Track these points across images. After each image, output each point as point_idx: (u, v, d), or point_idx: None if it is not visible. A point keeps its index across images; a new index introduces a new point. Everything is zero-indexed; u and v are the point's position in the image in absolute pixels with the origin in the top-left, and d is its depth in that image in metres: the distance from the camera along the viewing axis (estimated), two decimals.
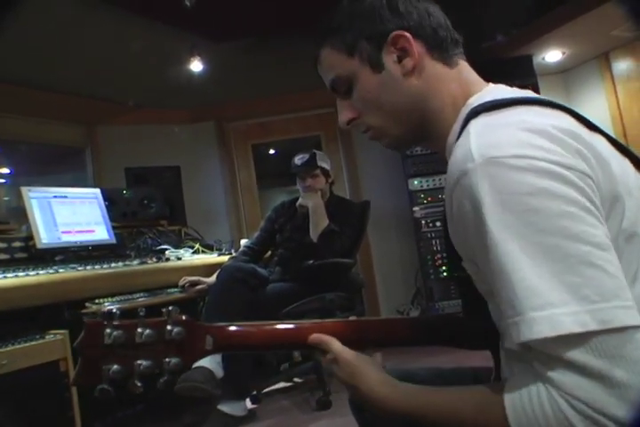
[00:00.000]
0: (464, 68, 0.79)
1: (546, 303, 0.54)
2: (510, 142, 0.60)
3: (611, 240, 0.59)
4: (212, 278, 2.53)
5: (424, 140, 0.83)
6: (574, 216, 0.56)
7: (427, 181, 3.68)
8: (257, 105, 4.29)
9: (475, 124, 0.66)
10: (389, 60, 0.77)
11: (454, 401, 0.65)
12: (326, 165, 2.82)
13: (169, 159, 3.92)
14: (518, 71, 3.39)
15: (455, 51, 0.79)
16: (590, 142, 0.62)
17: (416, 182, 3.69)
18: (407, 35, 0.75)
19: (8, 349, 1.70)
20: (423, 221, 3.65)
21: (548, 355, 0.55)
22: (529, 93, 0.74)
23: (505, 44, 3.39)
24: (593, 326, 0.52)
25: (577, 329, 0.52)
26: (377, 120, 0.82)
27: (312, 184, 2.77)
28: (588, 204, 0.57)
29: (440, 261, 3.59)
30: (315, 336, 0.78)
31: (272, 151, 5.59)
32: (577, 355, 0.53)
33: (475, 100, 0.73)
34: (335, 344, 0.77)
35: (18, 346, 1.73)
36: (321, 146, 4.36)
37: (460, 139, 0.67)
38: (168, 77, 3.48)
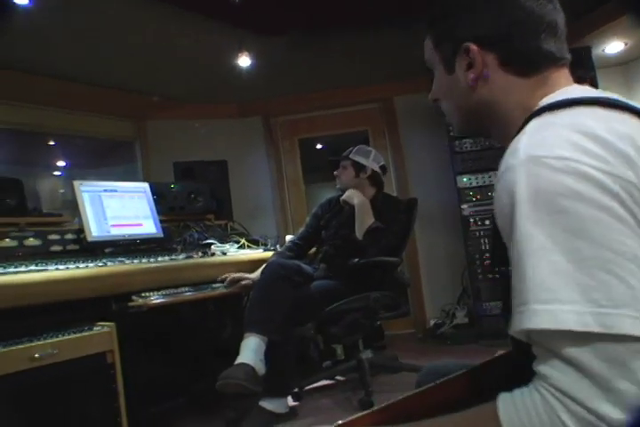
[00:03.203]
0: (552, 75, 0.76)
1: (553, 299, 0.55)
2: (557, 143, 0.60)
3: None
4: (257, 274, 2.53)
5: (492, 136, 0.86)
6: (603, 222, 0.55)
7: (476, 178, 3.58)
8: (304, 100, 4.27)
9: (533, 123, 0.67)
10: (460, 66, 0.79)
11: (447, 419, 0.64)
12: (362, 160, 2.79)
13: (216, 154, 3.94)
14: (575, 64, 3.21)
15: (542, 61, 0.76)
16: None
17: (465, 180, 3.59)
18: (475, 48, 0.76)
19: (58, 339, 1.73)
20: (471, 220, 3.56)
21: (546, 349, 0.56)
22: (603, 94, 0.71)
23: None
24: (594, 328, 0.52)
25: (578, 328, 0.53)
26: (445, 108, 0.88)
27: (337, 174, 2.84)
28: (623, 212, 0.56)
29: (489, 261, 3.49)
30: None
31: (319, 146, 5.57)
32: (576, 352, 0.53)
33: (545, 101, 0.72)
34: None
35: (67, 337, 1.76)
36: (368, 141, 4.31)
37: (517, 136, 0.67)
38: (216, 72, 3.51)
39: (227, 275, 2.51)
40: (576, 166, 0.57)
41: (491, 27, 0.76)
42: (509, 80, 0.76)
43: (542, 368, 0.56)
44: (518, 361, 0.72)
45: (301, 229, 2.92)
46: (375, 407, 0.74)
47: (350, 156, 2.80)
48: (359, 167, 2.78)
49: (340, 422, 0.71)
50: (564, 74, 0.78)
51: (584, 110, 0.65)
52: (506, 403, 0.57)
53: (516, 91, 0.76)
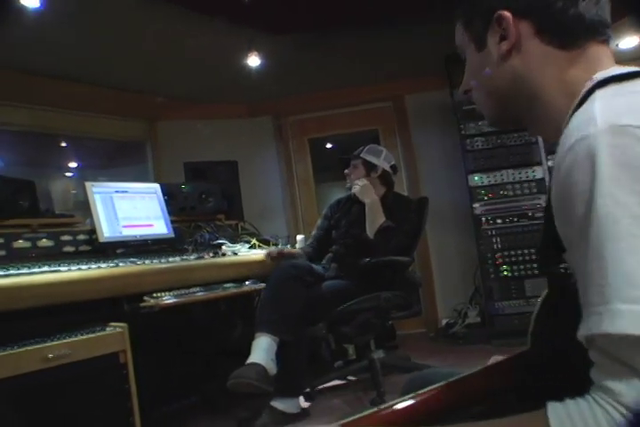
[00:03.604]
0: (592, 50, 0.69)
1: None
2: None
3: None
4: (298, 250, 2.69)
5: (524, 123, 0.77)
6: None
7: (487, 177, 3.56)
8: (314, 99, 4.26)
9: (602, 92, 0.60)
10: (492, 39, 0.73)
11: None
12: (373, 159, 2.79)
13: (226, 154, 3.95)
14: None
15: (583, 34, 0.69)
16: None
17: (476, 178, 3.57)
18: (507, 15, 0.70)
19: (71, 339, 1.74)
20: (483, 219, 3.54)
21: (616, 358, 0.47)
22: None
23: None
24: None
25: None
26: (476, 96, 0.81)
27: (348, 173, 2.84)
28: None
29: (501, 260, 3.47)
30: None
31: (329, 145, 5.57)
32: None
33: (601, 75, 0.65)
34: None
35: (80, 337, 1.77)
36: (379, 140, 4.30)
37: (582, 107, 0.60)
38: (226, 72, 3.51)
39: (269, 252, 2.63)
40: None
41: None
42: (546, 51, 0.69)
43: (610, 383, 0.48)
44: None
45: (314, 233, 2.93)
46: (382, 406, 0.69)
47: (361, 155, 2.80)
48: (370, 166, 2.78)
49: (344, 421, 0.64)
50: (606, 52, 0.70)
51: None
52: (559, 416, 0.49)
53: (553, 63, 0.69)
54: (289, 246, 2.87)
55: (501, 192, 3.52)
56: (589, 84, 0.64)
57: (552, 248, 0.61)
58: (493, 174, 3.55)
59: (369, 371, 2.65)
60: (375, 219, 2.61)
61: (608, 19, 0.71)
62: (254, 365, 2.13)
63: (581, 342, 0.52)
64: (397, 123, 4.28)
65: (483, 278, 3.55)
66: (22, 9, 2.37)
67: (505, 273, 3.45)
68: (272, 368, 2.19)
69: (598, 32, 0.69)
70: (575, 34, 0.69)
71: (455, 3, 0.81)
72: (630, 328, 0.46)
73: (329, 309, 2.45)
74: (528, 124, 0.78)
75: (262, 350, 2.20)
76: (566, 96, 0.67)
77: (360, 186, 2.73)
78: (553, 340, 0.56)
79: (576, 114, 0.60)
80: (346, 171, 2.86)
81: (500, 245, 3.49)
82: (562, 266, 0.60)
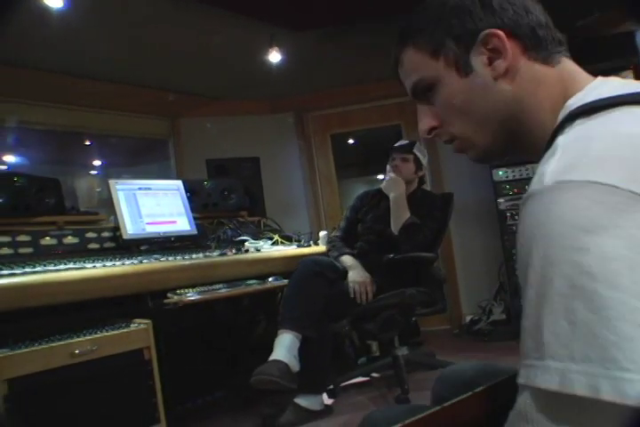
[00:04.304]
0: (566, 65, 0.68)
1: (566, 356, 0.45)
2: (591, 164, 0.49)
3: None
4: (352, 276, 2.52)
5: (516, 150, 0.73)
6: (635, 264, 0.44)
7: (512, 171, 3.50)
8: (336, 95, 4.24)
9: (566, 136, 0.56)
10: (479, 61, 0.68)
11: None
12: (421, 157, 2.76)
13: (249, 150, 3.96)
14: (617, 50, 3.09)
15: (557, 49, 0.68)
16: None
17: (501, 173, 3.51)
18: (501, 33, 0.66)
19: (97, 336, 1.77)
20: (508, 214, 3.48)
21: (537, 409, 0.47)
22: None
23: (603, 22, 3.13)
24: (608, 396, 0.42)
25: (583, 392, 0.43)
26: (463, 129, 0.73)
27: (399, 166, 2.73)
28: None
29: None
30: None
31: (351, 141, 5.54)
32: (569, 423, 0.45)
33: (575, 102, 0.61)
34: None
35: (105, 333, 1.80)
36: (401, 135, 4.26)
37: (549, 151, 0.56)
38: (247, 69, 3.50)
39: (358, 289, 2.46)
40: (607, 194, 0.46)
41: (505, 13, 0.67)
42: (536, 69, 0.67)
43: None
44: None
45: (342, 224, 2.90)
46: None
47: (414, 150, 2.76)
48: (419, 165, 2.76)
49: None
50: (572, 63, 0.68)
51: (627, 113, 0.54)
52: None
53: (544, 82, 0.66)
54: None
55: (526, 187, 3.41)
56: (562, 114, 0.61)
57: None
58: (518, 169, 3.49)
59: (393, 368, 2.63)
60: (400, 214, 2.59)
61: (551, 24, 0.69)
62: (277, 362, 2.13)
63: None
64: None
65: (508, 275, 3.49)
66: (46, 9, 2.40)
67: None
68: (295, 365, 2.19)
69: (560, 41, 0.68)
70: (551, 49, 0.67)
71: (406, 32, 0.76)
72: (552, 384, 0.46)
73: (352, 305, 2.44)
74: (523, 151, 0.73)
75: (285, 347, 2.20)
76: (552, 116, 0.64)
77: (387, 180, 2.70)
78: None
79: (544, 158, 0.56)
80: (395, 163, 2.75)
81: None
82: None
